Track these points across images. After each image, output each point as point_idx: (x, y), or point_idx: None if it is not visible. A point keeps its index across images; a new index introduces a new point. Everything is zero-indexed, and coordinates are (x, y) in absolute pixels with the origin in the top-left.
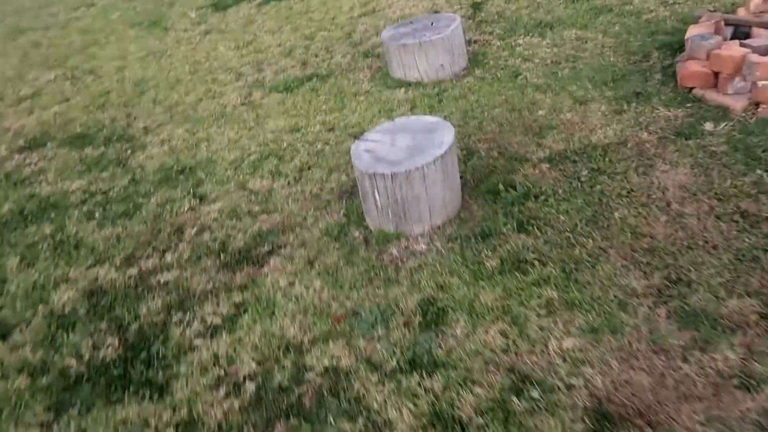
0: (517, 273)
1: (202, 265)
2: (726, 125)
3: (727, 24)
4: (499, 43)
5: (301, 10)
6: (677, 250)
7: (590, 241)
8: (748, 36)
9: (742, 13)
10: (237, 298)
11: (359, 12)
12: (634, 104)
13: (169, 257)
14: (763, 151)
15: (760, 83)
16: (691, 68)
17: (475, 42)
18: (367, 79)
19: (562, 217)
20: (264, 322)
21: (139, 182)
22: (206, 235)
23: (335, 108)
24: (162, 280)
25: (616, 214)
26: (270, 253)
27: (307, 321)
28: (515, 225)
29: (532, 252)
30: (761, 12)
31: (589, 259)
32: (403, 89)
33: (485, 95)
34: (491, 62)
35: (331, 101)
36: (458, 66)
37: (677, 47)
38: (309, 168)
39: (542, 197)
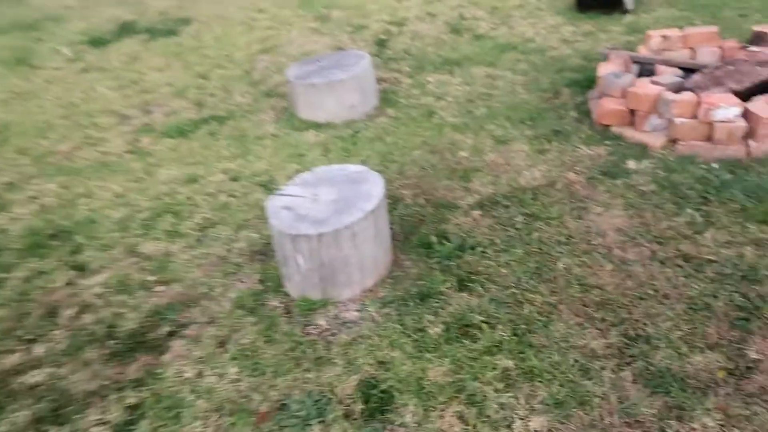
0: (465, 340)
1: (84, 357)
2: (648, 163)
3: (633, 62)
4: (408, 81)
5: (193, 46)
6: (629, 301)
7: (538, 296)
8: (652, 73)
9: (643, 52)
10: (131, 398)
11: (257, 48)
12: (555, 143)
13: (39, 350)
14: (689, 189)
15: (677, 120)
16: (607, 106)
17: (384, 80)
18: (272, 121)
19: (503, 271)
20: (167, 428)
21: (0, 251)
22: (88, 317)
23: (238, 154)
24: (29, 383)
25: (560, 264)
26: (171, 334)
27: (223, 422)
28: (455, 282)
29: (478, 313)
30: (661, 50)
31: (541, 318)
32: (312, 131)
33: (402, 136)
34: (403, 101)
35: (233, 146)
36: (369, 105)
37: (586, 84)
38: (212, 226)
39: (479, 248)
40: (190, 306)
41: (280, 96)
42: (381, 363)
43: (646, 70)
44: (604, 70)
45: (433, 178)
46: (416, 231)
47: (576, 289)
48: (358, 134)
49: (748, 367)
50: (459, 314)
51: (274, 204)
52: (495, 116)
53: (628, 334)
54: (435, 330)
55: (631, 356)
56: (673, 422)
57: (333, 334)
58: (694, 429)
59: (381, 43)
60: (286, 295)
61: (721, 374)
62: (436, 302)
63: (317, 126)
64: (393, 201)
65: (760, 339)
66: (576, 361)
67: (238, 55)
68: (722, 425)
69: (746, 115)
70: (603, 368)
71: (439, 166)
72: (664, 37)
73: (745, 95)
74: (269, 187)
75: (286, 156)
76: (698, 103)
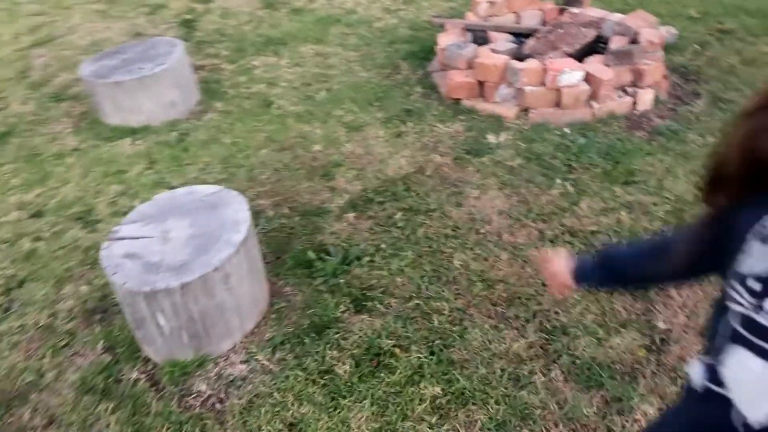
0: (381, 373)
1: None
2: (507, 135)
3: (468, 30)
4: (231, 67)
5: None
6: (535, 291)
7: (444, 303)
8: (485, 41)
9: (472, 19)
10: None
11: (30, 41)
12: (410, 123)
13: None
14: (552, 158)
15: (527, 89)
16: (455, 79)
17: (201, 68)
18: (71, 132)
19: (399, 279)
20: None
21: None
22: None
23: (34, 180)
24: None
25: (456, 261)
26: None
27: None
28: (350, 304)
29: (387, 337)
30: (490, 16)
31: (454, 329)
32: (128, 139)
33: (241, 134)
34: (231, 91)
35: (24, 171)
36: (191, 100)
37: (422, 56)
38: (20, 285)
39: (366, 258)
40: (13, 407)
41: (75, 99)
42: (292, 425)
43: (479, 37)
44: (444, 41)
45: (291, 180)
46: (288, 248)
47: (480, 287)
48: (187, 137)
49: (662, 339)
50: (365, 342)
51: (110, 253)
52: (339, 100)
53: (545, 328)
54: (344, 368)
55: (555, 352)
56: (615, 418)
57: (221, 401)
58: (637, 420)
59: (187, 24)
60: (147, 360)
61: (641, 353)
62: (336, 332)
63: (132, 132)
64: (253, 215)
65: (662, 306)
66: (503, 370)
67: (5, 51)
68: (661, 408)
69: (587, 78)
70: (532, 372)
71: (294, 165)
72: (491, 2)
73: (578, 57)
74: (88, 220)
75: (100, 175)
76: (544, 70)
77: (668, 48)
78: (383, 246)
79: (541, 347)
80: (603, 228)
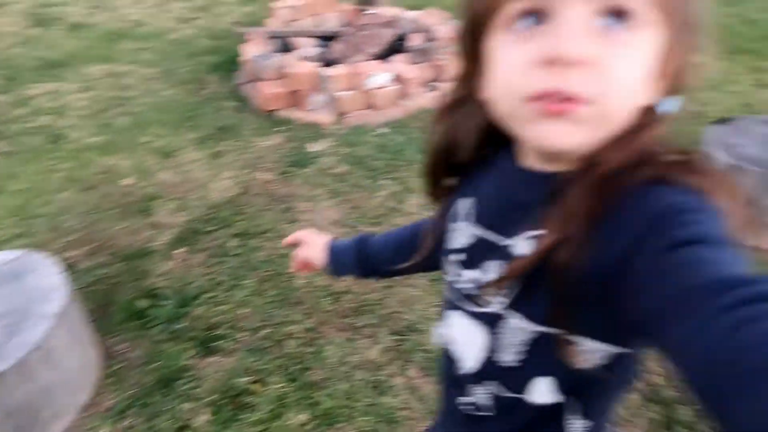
0: (242, 414)
1: None
2: (327, 143)
3: (272, 38)
4: (3, 100)
5: None
6: (381, 296)
7: (295, 326)
8: (291, 48)
9: (273, 25)
10: None
11: None
12: (227, 141)
13: None
14: (375, 160)
15: (339, 94)
16: (267, 91)
17: None
18: None
19: (245, 311)
20: None
21: None
22: None
23: None
24: None
25: (299, 281)
26: None
27: None
28: (197, 348)
29: (242, 375)
30: (291, 21)
31: (309, 350)
32: None
33: (33, 177)
34: (9, 128)
35: None
36: None
37: (228, 67)
38: None
39: (204, 295)
40: None
41: None
42: None
43: (283, 44)
44: (249, 51)
45: (104, 222)
46: (115, 301)
47: (327, 302)
48: None
49: None
50: (221, 386)
51: None
52: (143, 124)
53: (395, 329)
54: (202, 419)
55: (408, 351)
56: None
57: None
58: None
59: None
60: None
61: None
62: (186, 382)
63: None
64: (65, 272)
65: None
66: (364, 380)
67: None
68: None
69: (397, 77)
70: (391, 375)
71: (104, 205)
72: (292, 7)
73: (382, 57)
74: None
75: None
76: (354, 74)
77: None
78: (222, 278)
79: (395, 349)
80: None
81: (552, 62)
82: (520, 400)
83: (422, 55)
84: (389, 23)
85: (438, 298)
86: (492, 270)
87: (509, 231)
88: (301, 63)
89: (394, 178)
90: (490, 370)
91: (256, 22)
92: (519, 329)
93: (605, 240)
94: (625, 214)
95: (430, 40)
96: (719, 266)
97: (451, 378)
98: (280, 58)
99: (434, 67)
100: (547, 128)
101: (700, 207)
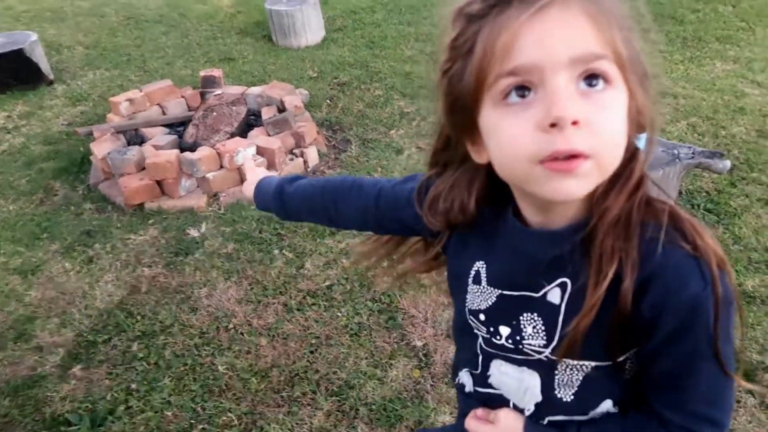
0: None
1: None
2: (208, 225)
3: (118, 132)
4: None
5: None
6: (307, 361)
7: (229, 414)
8: (142, 140)
9: (116, 120)
10: None
11: None
12: (97, 245)
13: None
14: (261, 233)
15: (209, 176)
16: (130, 185)
17: None
18: None
19: (170, 413)
20: None
21: None
22: None
23: None
24: None
25: (221, 367)
26: None
27: None
28: None
29: None
30: (132, 113)
31: None
32: None
33: None
34: None
35: None
36: None
37: (75, 170)
38: None
39: (120, 408)
40: None
41: None
42: None
43: (132, 137)
44: (99, 149)
45: None
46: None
47: (256, 382)
48: None
49: (425, 354)
50: None
51: None
52: None
53: (332, 390)
54: None
55: (351, 408)
56: None
57: None
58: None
59: None
60: None
61: (416, 374)
62: None
63: None
64: None
65: (411, 327)
66: None
67: None
68: (452, 413)
69: (259, 151)
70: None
71: None
72: (130, 100)
73: (240, 134)
74: None
75: None
76: (219, 154)
77: (307, 107)
78: (133, 386)
79: (338, 410)
80: (334, 280)
81: (554, 125)
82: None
83: (278, 126)
84: (237, 101)
85: (364, 351)
86: (531, 326)
87: (534, 286)
88: (161, 152)
89: (285, 246)
90: (549, 408)
91: (92, 120)
92: (573, 369)
93: (648, 304)
94: (656, 287)
95: (282, 110)
96: (702, 394)
97: (481, 393)
98: (137, 150)
99: (293, 135)
100: (559, 185)
101: (708, 310)
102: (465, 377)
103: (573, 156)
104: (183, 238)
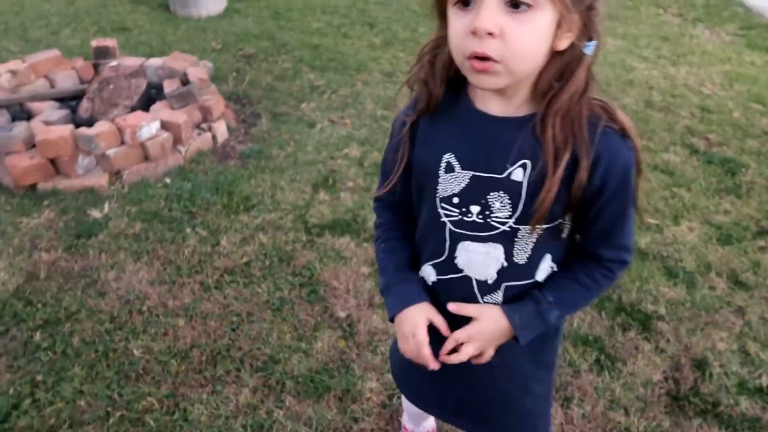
0: None
1: None
2: (111, 205)
3: (1, 107)
4: None
5: None
6: (232, 339)
7: (150, 399)
8: (29, 115)
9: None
10: None
11: None
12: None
13: None
14: (170, 211)
15: (109, 152)
16: (19, 164)
17: None
18: None
19: (83, 402)
20: None
21: None
22: None
23: None
24: None
25: (136, 352)
26: None
27: None
28: None
29: None
30: (15, 87)
31: (174, 417)
32: None
33: None
34: None
35: None
36: None
37: None
38: None
39: (26, 402)
40: None
41: None
42: None
43: (18, 112)
44: None
45: None
46: None
47: (176, 363)
48: None
49: (348, 325)
50: None
51: None
52: None
53: (257, 366)
54: None
55: (277, 383)
56: (353, 407)
57: None
58: (368, 399)
59: None
60: None
61: (341, 344)
62: None
63: None
64: None
65: (334, 299)
66: (245, 425)
67: None
68: (379, 379)
69: (164, 125)
70: (269, 411)
71: None
72: (12, 72)
73: (142, 108)
74: None
75: None
76: (119, 130)
77: (212, 80)
78: (39, 378)
79: (264, 385)
80: (252, 256)
81: (474, 33)
82: (529, 284)
83: (183, 99)
84: (136, 73)
85: (287, 325)
86: (498, 201)
87: (497, 167)
88: (54, 128)
89: (197, 224)
90: (508, 274)
91: None
92: (530, 237)
93: (598, 176)
94: (603, 163)
95: (185, 83)
96: (626, 231)
97: (460, 298)
98: (25, 127)
99: (200, 109)
100: (476, 78)
101: (633, 169)
102: (428, 270)
103: (485, 58)
104: (84, 220)
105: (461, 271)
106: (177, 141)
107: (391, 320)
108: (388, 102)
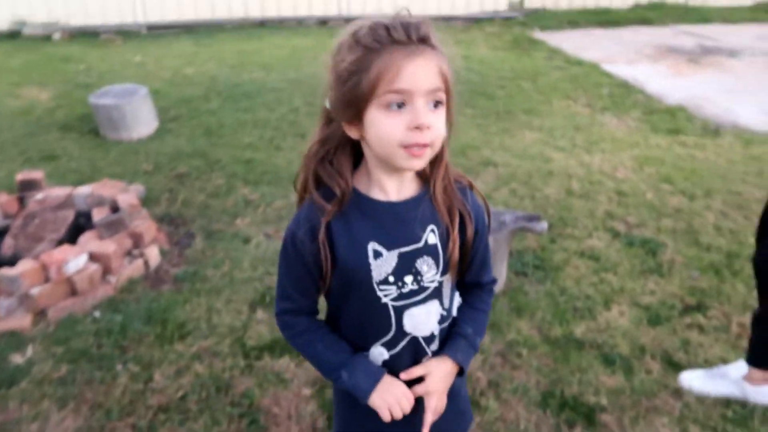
0: None
1: None
2: (35, 347)
3: None
4: None
5: None
6: None
7: None
8: None
9: None
10: None
11: None
12: None
13: None
14: (99, 348)
15: (33, 292)
16: None
17: None
18: None
19: None
20: None
21: None
22: None
23: None
24: None
25: None
26: None
27: None
28: None
29: None
30: None
31: None
32: None
33: None
34: None
35: None
36: None
37: None
38: None
39: None
40: None
41: None
42: None
43: None
44: None
45: None
46: None
47: None
48: None
49: None
50: None
51: None
52: None
53: None
54: None
55: None
56: None
57: None
58: None
59: None
60: None
61: None
62: None
63: None
64: None
65: (275, 427)
66: None
67: None
68: None
69: (93, 256)
70: None
71: None
72: None
73: (69, 240)
74: None
75: None
76: (44, 266)
77: (144, 203)
78: None
79: None
80: (188, 388)
81: (417, 127)
82: (450, 322)
83: (112, 227)
84: (64, 204)
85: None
86: (425, 265)
87: (415, 238)
88: None
89: (129, 359)
90: (443, 321)
91: None
92: (449, 284)
93: (475, 224)
94: (474, 213)
95: (115, 210)
96: (489, 258)
97: (411, 362)
98: None
99: (130, 235)
100: (412, 162)
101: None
102: (377, 351)
103: (424, 145)
104: (4, 367)
105: (409, 335)
106: (107, 271)
107: (365, 398)
108: None
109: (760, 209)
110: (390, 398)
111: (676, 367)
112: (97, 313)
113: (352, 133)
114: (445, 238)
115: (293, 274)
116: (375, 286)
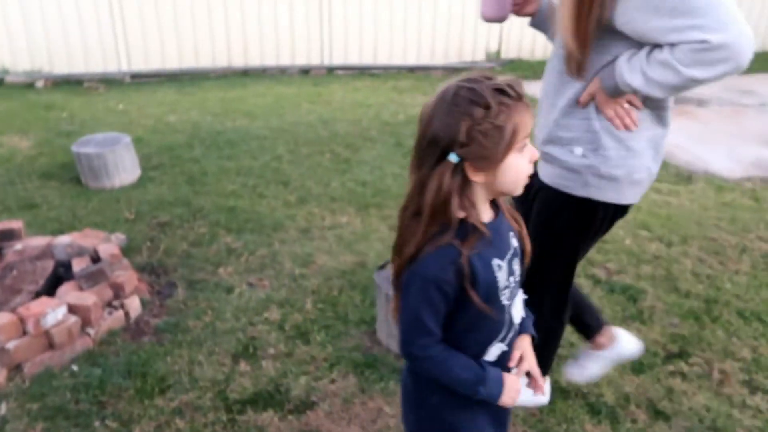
0: None
1: None
2: (8, 404)
3: None
4: None
5: None
6: None
7: None
8: None
9: None
10: None
11: None
12: None
13: None
14: (76, 404)
15: (9, 346)
16: None
17: None
18: None
19: None
20: None
21: None
22: None
23: None
24: None
25: None
26: None
27: None
28: None
29: None
30: None
31: None
32: None
33: None
34: None
35: None
36: None
37: None
38: None
39: None
40: None
41: None
42: None
43: None
44: None
45: None
46: None
47: None
48: None
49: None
50: None
51: None
52: None
53: None
54: None
55: None
56: None
57: None
58: None
59: None
60: None
61: None
62: None
63: None
64: None
65: None
66: None
67: None
68: None
69: (72, 309)
70: None
71: None
72: None
73: (48, 292)
74: None
75: None
76: (21, 320)
77: (125, 252)
78: None
79: None
80: None
81: (532, 161)
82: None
83: (93, 278)
84: (43, 254)
85: None
86: (516, 264)
87: (510, 245)
88: None
89: (107, 415)
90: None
91: None
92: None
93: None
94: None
95: (96, 260)
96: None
97: (509, 344)
98: None
99: (111, 286)
100: (521, 187)
101: None
102: (495, 348)
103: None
104: None
105: (514, 325)
106: (86, 323)
107: (496, 401)
108: (305, 260)
109: (735, 255)
110: (512, 393)
111: (661, 416)
112: (75, 367)
113: (478, 178)
114: (520, 240)
115: (436, 312)
116: (500, 294)
